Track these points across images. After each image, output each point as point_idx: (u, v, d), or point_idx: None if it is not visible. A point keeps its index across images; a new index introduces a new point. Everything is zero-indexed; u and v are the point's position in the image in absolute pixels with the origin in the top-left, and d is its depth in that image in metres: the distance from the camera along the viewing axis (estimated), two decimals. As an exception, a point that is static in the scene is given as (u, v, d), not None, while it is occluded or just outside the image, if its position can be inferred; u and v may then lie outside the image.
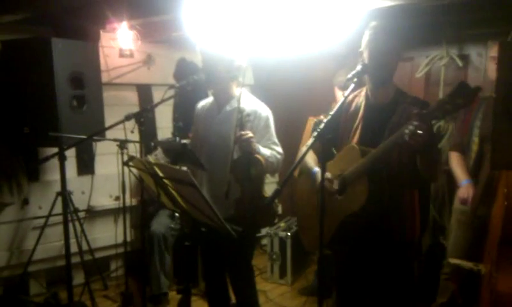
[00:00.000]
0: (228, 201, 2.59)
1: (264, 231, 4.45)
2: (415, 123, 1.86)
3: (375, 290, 2.34)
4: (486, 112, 2.97)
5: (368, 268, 2.31)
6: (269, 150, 2.70)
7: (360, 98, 2.33)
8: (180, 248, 3.73)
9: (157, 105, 2.75)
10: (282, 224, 4.59)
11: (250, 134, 2.52)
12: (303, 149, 2.42)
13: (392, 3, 2.80)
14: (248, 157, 2.55)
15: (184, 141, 3.11)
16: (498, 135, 1.22)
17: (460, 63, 3.91)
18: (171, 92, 2.75)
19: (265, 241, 4.69)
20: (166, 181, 2.06)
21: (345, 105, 2.34)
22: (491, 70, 3.03)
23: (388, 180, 2.14)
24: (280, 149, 2.79)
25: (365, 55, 2.20)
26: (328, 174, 2.21)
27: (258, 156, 2.58)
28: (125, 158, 3.28)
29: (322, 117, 3.81)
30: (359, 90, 2.36)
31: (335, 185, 2.22)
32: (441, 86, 4.01)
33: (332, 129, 2.25)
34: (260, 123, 2.72)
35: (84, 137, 3.02)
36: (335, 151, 2.43)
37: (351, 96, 2.35)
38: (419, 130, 1.85)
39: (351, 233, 2.23)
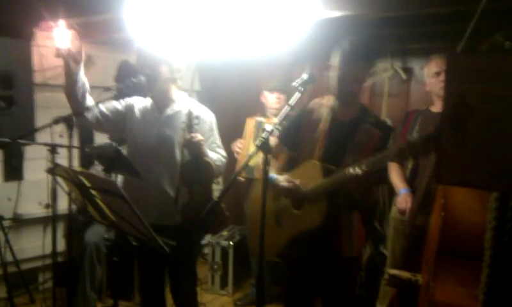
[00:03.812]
0: (176, 207, 2.51)
1: (206, 239, 4.33)
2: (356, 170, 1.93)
3: (322, 300, 2.39)
4: (422, 124, 3.03)
5: (317, 280, 2.34)
6: (215, 154, 2.65)
7: (325, 109, 2.29)
8: (113, 261, 3.53)
9: (87, 108, 2.56)
10: (225, 233, 4.48)
11: (200, 137, 2.45)
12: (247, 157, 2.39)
13: (339, 14, 2.78)
14: (197, 160, 2.47)
15: (119, 147, 2.93)
16: (444, 150, 1.17)
17: (403, 76, 3.97)
18: (107, 95, 2.61)
19: (207, 250, 4.55)
20: (92, 192, 1.89)
21: (306, 112, 2.33)
22: (430, 83, 3.11)
23: (343, 202, 2.16)
24: (224, 153, 2.75)
25: (334, 74, 2.18)
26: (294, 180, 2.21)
27: (207, 159, 2.51)
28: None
29: (261, 119, 3.82)
30: (320, 98, 2.35)
31: (301, 191, 2.19)
32: (385, 97, 4.06)
33: (290, 135, 2.32)
34: (205, 127, 2.65)
35: (7, 140, 2.77)
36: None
37: (312, 105, 2.36)
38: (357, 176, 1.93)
39: (302, 246, 2.24)
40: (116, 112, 2.70)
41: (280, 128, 1.95)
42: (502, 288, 1.26)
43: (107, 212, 1.94)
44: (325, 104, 2.30)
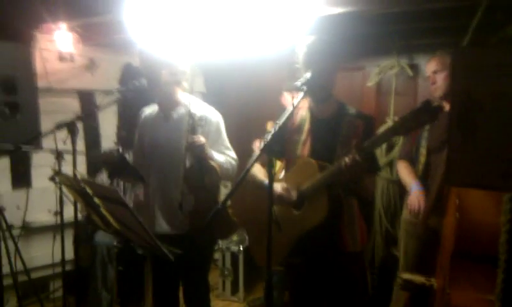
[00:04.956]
0: (182, 213, 2.45)
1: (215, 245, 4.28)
2: (353, 156, 1.90)
3: (331, 301, 2.32)
4: (433, 123, 2.94)
5: (323, 280, 2.28)
6: (223, 156, 2.59)
7: (303, 111, 2.31)
8: (123, 265, 3.51)
9: (91, 113, 2.54)
10: (234, 238, 4.40)
11: (203, 140, 2.39)
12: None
13: (342, 10, 2.73)
14: (201, 164, 2.41)
15: (123, 152, 2.90)
16: (453, 150, 1.12)
17: (410, 73, 3.91)
18: (109, 98, 2.59)
19: (217, 255, 4.51)
20: (95, 200, 1.86)
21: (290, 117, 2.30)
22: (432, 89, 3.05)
23: (344, 193, 2.14)
24: (233, 154, 2.68)
25: (299, 72, 2.17)
26: (284, 185, 2.19)
27: (212, 163, 2.45)
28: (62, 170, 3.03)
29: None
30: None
31: (293, 197, 2.17)
32: (392, 95, 3.99)
33: (279, 141, 2.21)
34: (211, 128, 2.58)
35: (11, 147, 2.74)
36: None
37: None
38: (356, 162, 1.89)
39: (306, 246, 2.19)
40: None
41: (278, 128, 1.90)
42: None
43: (111, 220, 1.91)
44: (304, 107, 2.31)
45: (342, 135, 2.14)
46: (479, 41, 2.62)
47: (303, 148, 2.23)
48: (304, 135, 2.25)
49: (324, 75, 2.14)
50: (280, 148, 2.31)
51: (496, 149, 1.08)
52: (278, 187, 2.20)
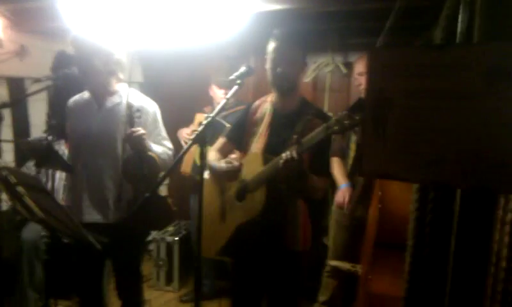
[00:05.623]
0: (120, 204, 2.43)
1: (150, 235, 4.25)
2: (290, 152, 1.91)
3: (268, 295, 2.36)
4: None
5: (262, 274, 2.31)
6: (161, 147, 2.58)
7: (266, 105, 2.32)
8: (49, 259, 3.39)
9: (18, 100, 2.44)
10: (170, 228, 4.42)
11: (142, 131, 2.37)
12: (211, 153, 2.42)
13: (278, 7, 2.79)
14: (140, 155, 2.39)
15: (53, 142, 2.81)
16: (366, 143, 1.20)
17: (344, 70, 4.04)
18: (38, 86, 2.49)
19: (151, 246, 4.48)
20: (18, 188, 1.80)
21: (251, 110, 2.35)
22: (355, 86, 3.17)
23: (286, 190, 2.13)
24: (170, 144, 2.68)
25: (268, 64, 2.18)
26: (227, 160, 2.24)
27: (151, 153, 2.44)
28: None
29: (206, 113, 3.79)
30: (266, 96, 2.37)
31: (238, 165, 2.21)
32: (327, 92, 4.12)
33: (236, 132, 2.35)
34: (148, 119, 2.57)
35: None
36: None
37: (257, 102, 2.37)
38: (291, 158, 1.90)
39: (247, 239, 2.21)
40: None
41: (209, 120, 1.91)
42: (424, 276, 1.30)
43: (36, 209, 1.86)
44: (268, 100, 2.32)
45: (297, 132, 2.10)
46: (404, 43, 2.78)
47: (260, 141, 2.23)
48: (262, 129, 2.25)
49: (290, 67, 2.14)
50: (240, 139, 2.35)
51: (404, 143, 1.17)
52: (221, 163, 2.23)
